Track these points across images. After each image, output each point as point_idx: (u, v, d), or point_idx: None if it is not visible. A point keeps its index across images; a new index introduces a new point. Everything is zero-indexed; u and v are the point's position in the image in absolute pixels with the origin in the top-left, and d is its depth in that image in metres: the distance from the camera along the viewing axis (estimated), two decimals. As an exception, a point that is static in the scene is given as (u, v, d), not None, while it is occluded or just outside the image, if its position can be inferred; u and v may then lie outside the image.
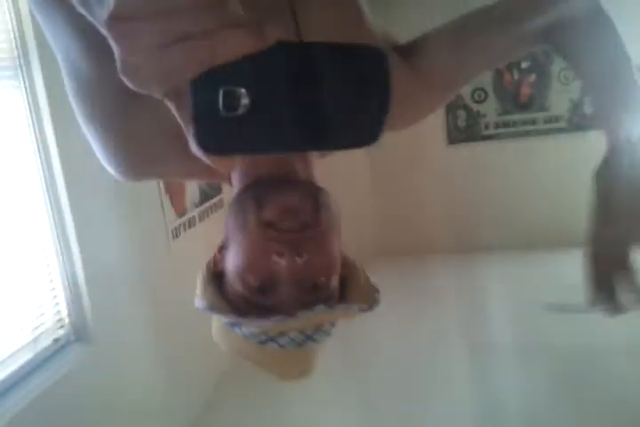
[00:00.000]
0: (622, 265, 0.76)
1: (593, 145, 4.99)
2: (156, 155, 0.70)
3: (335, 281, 0.71)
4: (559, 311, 3.60)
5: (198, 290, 0.74)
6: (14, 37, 1.99)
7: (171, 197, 2.91)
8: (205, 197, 3.33)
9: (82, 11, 0.35)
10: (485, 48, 0.75)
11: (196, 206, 3.22)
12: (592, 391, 2.80)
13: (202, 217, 3.26)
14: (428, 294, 3.91)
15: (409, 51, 0.75)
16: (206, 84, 0.34)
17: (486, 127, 4.89)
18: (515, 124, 4.85)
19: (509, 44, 0.76)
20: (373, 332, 3.34)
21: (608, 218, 0.78)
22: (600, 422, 2.57)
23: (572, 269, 4.66)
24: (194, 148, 0.37)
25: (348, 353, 3.16)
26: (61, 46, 0.66)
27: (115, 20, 0.32)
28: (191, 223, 3.13)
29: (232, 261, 0.69)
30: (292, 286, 0.66)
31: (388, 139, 0.85)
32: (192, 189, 3.18)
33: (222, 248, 0.74)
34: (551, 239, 4.76)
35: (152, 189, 2.74)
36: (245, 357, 0.73)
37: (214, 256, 0.76)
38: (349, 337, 3.36)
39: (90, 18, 0.35)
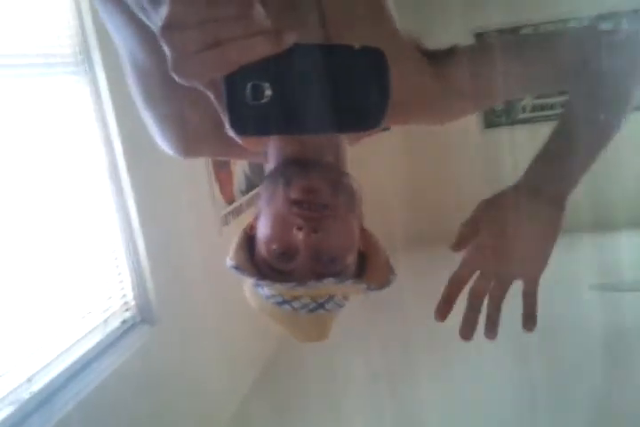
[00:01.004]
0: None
1: (634, 127, 4.91)
2: (205, 136, 0.81)
3: (351, 258, 0.80)
4: (607, 291, 3.63)
5: (231, 251, 0.84)
6: (76, 34, 2.10)
7: (220, 186, 3.01)
8: (251, 185, 3.43)
9: (140, 15, 0.48)
10: (522, 74, 0.83)
11: (243, 194, 3.32)
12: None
13: (249, 204, 3.36)
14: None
15: (440, 57, 0.83)
16: (237, 79, 0.44)
17: (523, 110, 4.88)
18: (552, 106, 4.82)
19: (545, 75, 0.83)
20: (407, 317, 3.41)
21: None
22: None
23: (611, 251, 4.65)
24: (228, 130, 0.46)
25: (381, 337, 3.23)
26: (123, 40, 0.79)
27: (166, 28, 0.43)
28: (239, 211, 3.23)
29: (261, 230, 0.79)
30: (307, 257, 0.75)
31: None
32: (239, 177, 3.28)
33: (256, 217, 0.84)
34: (589, 223, 4.74)
35: (203, 178, 2.85)
36: (267, 314, 0.82)
37: (250, 223, 0.86)
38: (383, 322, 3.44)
39: (147, 22, 0.47)
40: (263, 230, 0.79)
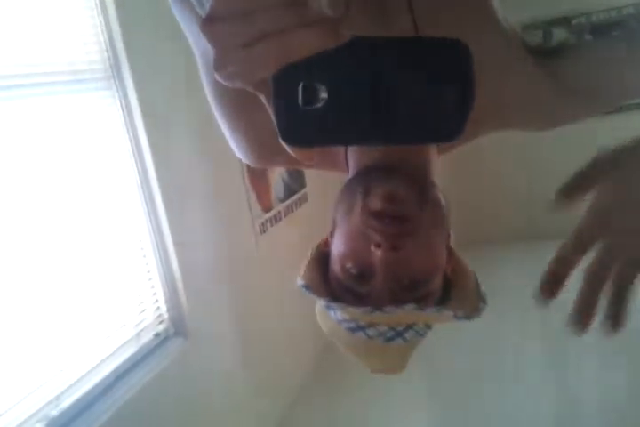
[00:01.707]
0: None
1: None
2: (277, 144, 0.74)
3: (436, 283, 0.70)
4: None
5: (302, 268, 0.76)
6: (106, 48, 2.11)
7: (256, 194, 2.98)
8: (290, 192, 3.40)
9: (200, 12, 0.41)
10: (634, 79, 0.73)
11: (281, 202, 3.28)
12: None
13: (287, 212, 3.33)
14: (508, 280, 3.79)
15: (551, 55, 0.74)
16: (286, 79, 0.37)
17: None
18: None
19: None
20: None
21: None
22: None
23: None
24: (278, 139, 0.39)
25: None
26: (194, 40, 0.73)
27: (208, 22, 0.36)
28: (277, 218, 3.20)
29: (335, 246, 0.71)
30: (386, 278, 0.67)
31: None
32: (277, 184, 3.24)
33: (331, 232, 0.76)
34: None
35: (238, 186, 2.82)
36: (337, 340, 0.74)
37: (325, 238, 0.78)
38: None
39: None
40: (337, 247, 0.71)
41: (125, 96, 2.15)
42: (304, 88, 0.37)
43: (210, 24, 0.36)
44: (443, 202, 0.72)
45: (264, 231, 3.02)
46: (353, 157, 0.75)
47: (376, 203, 0.66)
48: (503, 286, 3.41)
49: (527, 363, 3.05)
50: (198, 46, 0.73)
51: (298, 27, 0.35)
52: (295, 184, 3.48)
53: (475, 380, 3.00)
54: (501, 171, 4.89)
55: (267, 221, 3.08)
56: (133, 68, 2.12)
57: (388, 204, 0.66)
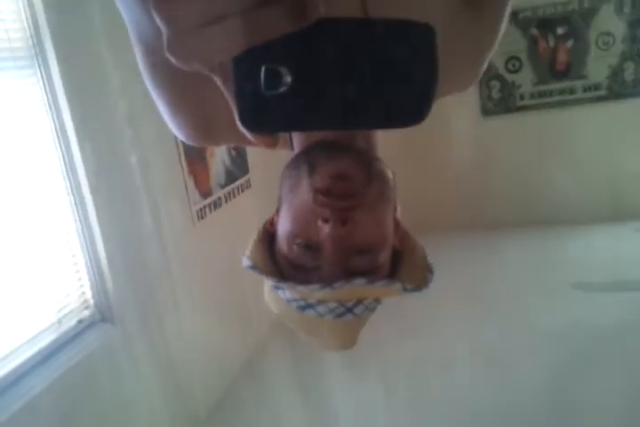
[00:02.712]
0: None
1: (634, 113, 4.80)
2: (218, 123, 0.72)
3: (384, 256, 0.70)
4: (590, 290, 3.51)
5: (248, 249, 0.74)
6: (28, 26, 2.02)
7: (195, 179, 2.93)
8: (231, 177, 3.35)
9: None
10: None
11: (222, 187, 3.24)
12: (624, 371, 2.72)
13: (228, 198, 3.28)
14: (455, 270, 3.85)
15: None
16: (248, 62, 0.35)
17: (522, 98, 4.73)
18: (551, 93, 4.67)
19: None
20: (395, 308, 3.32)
21: None
22: (630, 400, 2.51)
23: (609, 246, 4.55)
24: (238, 123, 0.38)
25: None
26: (131, 18, 0.69)
27: (160, 0, 0.34)
28: (217, 204, 3.15)
29: (282, 224, 0.70)
30: (335, 253, 0.66)
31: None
32: (217, 169, 3.20)
33: (277, 210, 0.74)
34: (588, 215, 4.61)
35: (175, 170, 2.77)
36: (288, 320, 0.73)
37: (270, 218, 0.77)
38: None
39: None
40: (284, 224, 0.69)
41: (49, 77, 2.07)
42: (267, 72, 0.35)
43: (164, 2, 0.34)
44: (389, 175, 0.72)
45: (202, 217, 2.98)
46: (297, 133, 0.74)
47: (322, 180, 0.65)
48: (447, 273, 3.44)
49: (469, 349, 3.11)
50: (133, 23, 0.69)
51: (260, 6, 0.33)
52: (238, 170, 3.44)
53: (418, 366, 3.04)
54: (445, 159, 4.94)
55: (205, 206, 3.03)
56: (58, 48, 2.05)
57: (336, 182, 0.65)
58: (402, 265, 0.73)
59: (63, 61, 2.06)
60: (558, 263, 4.00)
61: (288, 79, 0.35)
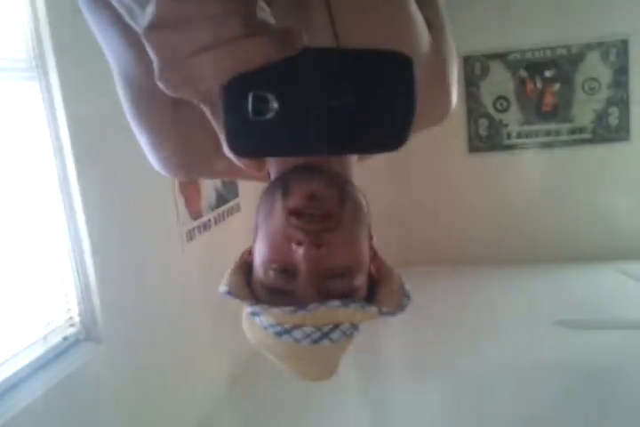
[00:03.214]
0: None
1: (617, 157, 4.92)
2: (202, 156, 0.73)
3: (360, 280, 0.70)
4: (573, 327, 3.54)
5: (225, 276, 0.75)
6: (31, 38, 2.03)
7: (185, 200, 2.93)
8: (222, 200, 3.36)
9: (129, 21, 0.40)
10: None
11: (212, 209, 3.24)
12: (606, 409, 2.74)
13: (217, 220, 3.28)
14: (439, 305, 3.86)
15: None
16: (236, 89, 0.36)
17: (508, 137, 4.84)
18: (537, 134, 4.79)
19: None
20: (386, 339, 3.32)
21: None
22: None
23: (590, 284, 4.60)
24: (226, 150, 0.39)
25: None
26: (114, 52, 0.70)
27: (151, 30, 0.35)
28: (206, 226, 3.15)
29: (257, 249, 0.71)
30: (309, 275, 0.66)
31: (408, 144, 0.86)
32: (208, 192, 3.20)
33: (254, 237, 0.75)
34: (571, 253, 4.69)
35: (166, 191, 2.77)
36: (265, 349, 0.73)
37: (249, 248, 0.77)
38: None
39: (135, 28, 0.39)
40: (260, 250, 0.70)
41: (49, 88, 2.07)
42: (254, 98, 0.37)
43: (153, 32, 0.35)
44: (362, 200, 0.73)
45: (191, 239, 2.97)
46: (273, 160, 0.74)
47: (296, 201, 0.66)
48: (428, 308, 3.46)
49: (450, 383, 3.09)
50: (112, 54, 0.70)
51: (247, 36, 0.34)
52: (228, 193, 3.45)
53: (391, 397, 3.02)
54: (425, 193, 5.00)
55: (195, 228, 3.02)
56: (59, 60, 2.05)
57: (308, 201, 0.66)
58: (378, 291, 0.74)
59: (63, 73, 2.06)
60: (541, 301, 4.04)
61: (275, 105, 0.37)
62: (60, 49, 2.04)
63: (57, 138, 2.09)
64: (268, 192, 0.72)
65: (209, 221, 3.19)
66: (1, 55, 1.92)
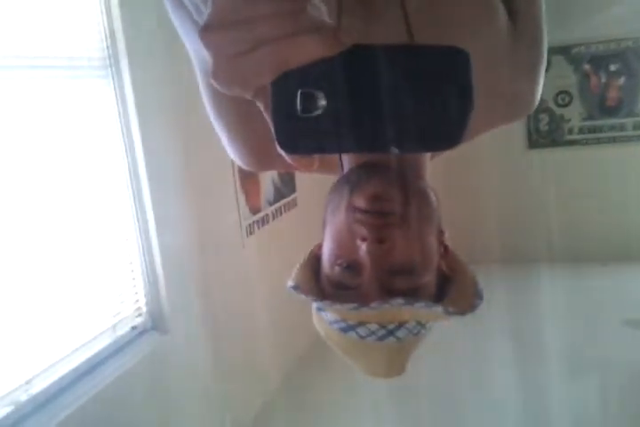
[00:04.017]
0: None
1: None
2: (272, 150, 0.74)
3: (427, 279, 0.69)
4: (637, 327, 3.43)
5: (294, 272, 0.75)
6: (105, 38, 2.11)
7: (246, 195, 2.99)
8: (279, 195, 3.40)
9: (199, 20, 0.40)
10: None
11: (270, 204, 3.28)
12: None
13: (275, 215, 3.33)
14: (504, 303, 3.80)
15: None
16: (285, 86, 0.37)
17: (570, 132, 4.71)
18: (600, 129, 4.65)
19: None
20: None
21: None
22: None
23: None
24: (276, 146, 0.39)
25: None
26: (191, 47, 0.73)
27: (206, 30, 0.36)
28: (265, 221, 3.20)
29: (325, 245, 0.71)
30: (374, 271, 0.66)
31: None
32: (267, 187, 3.25)
33: (323, 232, 0.75)
34: (633, 252, 4.54)
35: (228, 186, 2.82)
36: (332, 343, 0.73)
37: (319, 243, 0.77)
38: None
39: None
40: (327, 245, 0.70)
41: (121, 87, 2.15)
42: (302, 95, 0.37)
43: (208, 32, 0.36)
44: (431, 197, 0.72)
45: (251, 233, 3.02)
46: (347, 158, 0.75)
47: (360, 201, 0.66)
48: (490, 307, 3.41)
49: (514, 384, 3.06)
50: (196, 53, 0.72)
51: (296, 34, 0.35)
52: (286, 188, 3.49)
53: (461, 399, 3.00)
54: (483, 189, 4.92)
55: (254, 222, 3.08)
56: (132, 59, 2.13)
57: (372, 201, 0.66)
58: (450, 291, 0.72)
59: (135, 72, 2.13)
60: (609, 300, 3.93)
61: (323, 103, 0.36)
62: (132, 49, 2.11)
63: (128, 134, 2.16)
64: (336, 188, 0.72)
65: (267, 215, 3.24)
66: (76, 54, 2.00)
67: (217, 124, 0.77)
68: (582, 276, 4.42)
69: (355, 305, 0.65)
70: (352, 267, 0.67)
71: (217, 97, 0.74)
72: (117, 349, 2.11)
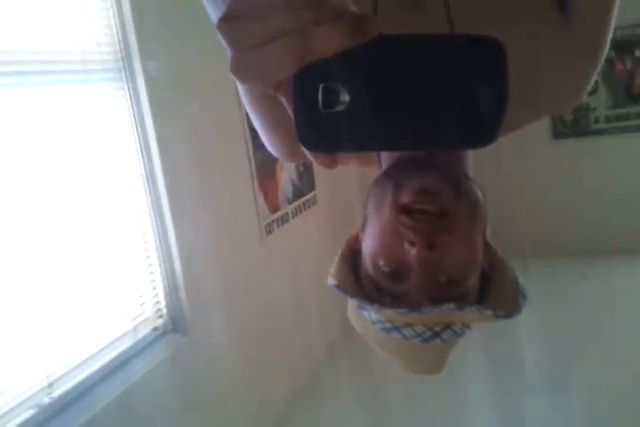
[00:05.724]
0: None
1: None
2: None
3: (474, 280, 0.67)
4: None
5: (333, 267, 0.72)
6: (118, 41, 2.12)
7: (265, 194, 2.99)
8: (298, 193, 3.39)
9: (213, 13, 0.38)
10: None
11: (289, 203, 3.28)
12: None
13: (295, 213, 3.32)
14: (537, 295, 3.74)
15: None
16: (306, 80, 0.34)
17: (596, 121, 4.60)
18: (628, 117, 4.53)
19: None
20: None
21: None
22: None
23: None
24: (298, 142, 0.37)
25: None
26: None
27: (224, 21, 0.34)
28: (284, 220, 3.19)
29: (367, 243, 0.68)
30: (422, 277, 0.63)
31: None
32: (286, 186, 3.24)
33: (363, 227, 0.72)
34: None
35: (246, 185, 2.83)
36: (372, 341, 0.72)
37: (355, 234, 0.75)
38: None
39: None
40: (369, 244, 0.67)
41: (135, 89, 2.16)
42: (324, 90, 0.34)
43: (226, 23, 0.34)
44: (478, 194, 0.69)
45: (270, 232, 3.02)
46: (385, 153, 0.73)
47: (407, 196, 0.63)
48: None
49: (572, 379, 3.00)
50: None
51: (317, 24, 0.32)
52: (304, 186, 3.48)
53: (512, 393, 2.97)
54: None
55: (273, 221, 3.08)
56: (145, 61, 2.14)
57: (420, 197, 0.63)
58: (491, 288, 0.70)
59: (149, 75, 2.14)
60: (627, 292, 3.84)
61: (346, 98, 0.34)
62: (145, 51, 2.12)
63: (144, 137, 2.18)
64: (380, 184, 0.69)
65: (286, 214, 3.23)
66: (89, 58, 2.01)
67: (251, 115, 0.77)
68: (608, 268, 4.32)
69: (405, 310, 0.63)
70: (397, 273, 0.65)
71: (248, 92, 0.74)
72: (139, 351, 2.13)
